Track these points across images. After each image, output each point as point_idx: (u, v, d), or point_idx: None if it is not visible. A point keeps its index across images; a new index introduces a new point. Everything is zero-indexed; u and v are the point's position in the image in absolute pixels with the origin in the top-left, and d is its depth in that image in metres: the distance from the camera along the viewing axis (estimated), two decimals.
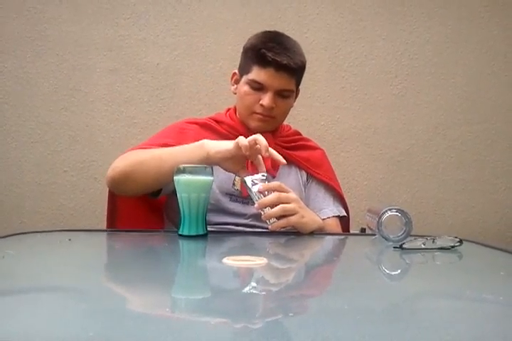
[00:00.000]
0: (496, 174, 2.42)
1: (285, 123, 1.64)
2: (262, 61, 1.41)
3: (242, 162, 1.27)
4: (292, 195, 1.27)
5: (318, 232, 1.31)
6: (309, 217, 1.28)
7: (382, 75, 2.39)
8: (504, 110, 2.42)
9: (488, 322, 0.63)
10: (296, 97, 1.56)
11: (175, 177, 1.19)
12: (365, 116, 2.39)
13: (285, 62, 1.39)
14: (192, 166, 1.21)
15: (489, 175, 2.42)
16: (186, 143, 1.33)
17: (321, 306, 0.71)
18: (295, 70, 1.43)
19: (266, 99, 1.42)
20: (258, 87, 1.44)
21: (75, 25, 2.30)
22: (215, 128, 1.53)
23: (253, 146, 1.21)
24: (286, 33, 1.53)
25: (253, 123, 1.49)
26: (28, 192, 2.30)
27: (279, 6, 2.35)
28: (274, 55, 1.39)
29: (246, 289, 0.80)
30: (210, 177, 1.19)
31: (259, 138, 1.22)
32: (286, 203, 1.23)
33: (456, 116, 2.41)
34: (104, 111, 2.31)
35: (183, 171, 1.18)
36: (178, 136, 1.47)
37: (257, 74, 1.43)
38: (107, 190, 1.58)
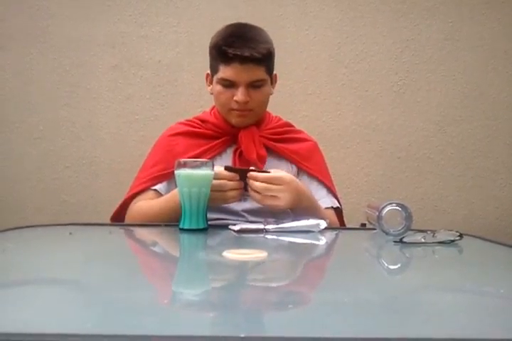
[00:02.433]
0: (496, 170, 2.42)
1: (276, 115, 1.64)
2: (225, 58, 1.40)
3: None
4: (286, 176, 1.30)
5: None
6: (288, 202, 1.29)
7: (383, 72, 2.40)
8: (504, 107, 2.42)
9: (488, 315, 0.63)
10: (274, 83, 1.55)
11: (176, 172, 1.20)
12: (365, 112, 2.39)
13: (247, 54, 1.38)
14: (193, 160, 1.21)
15: (489, 172, 2.42)
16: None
17: (320, 298, 0.71)
18: (260, 59, 1.41)
19: (238, 95, 1.42)
20: (229, 84, 1.43)
21: (77, 22, 2.31)
22: (198, 133, 1.54)
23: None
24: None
25: (233, 120, 1.49)
26: (30, 188, 2.31)
27: (280, 3, 2.35)
28: (235, 50, 1.38)
29: (246, 282, 0.81)
30: (210, 172, 1.20)
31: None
32: (278, 185, 1.26)
33: (457, 113, 2.41)
34: (106, 108, 2.32)
35: (184, 165, 1.19)
36: (167, 156, 1.49)
37: (224, 72, 1.42)
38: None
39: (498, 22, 2.41)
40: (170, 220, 1.32)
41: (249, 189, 1.28)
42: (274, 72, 1.54)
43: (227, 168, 1.27)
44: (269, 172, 1.29)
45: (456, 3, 2.40)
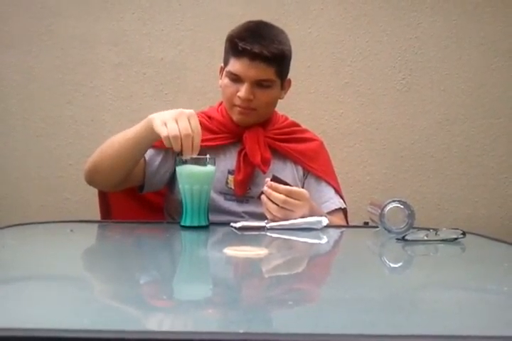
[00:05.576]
0: (499, 169, 2.41)
1: (282, 113, 1.62)
2: (236, 51, 1.38)
3: None
4: (306, 192, 1.27)
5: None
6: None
7: (386, 70, 2.39)
8: (508, 105, 2.41)
9: (491, 313, 0.63)
10: (286, 89, 1.52)
11: (177, 168, 1.20)
12: (368, 111, 2.39)
13: (257, 50, 1.35)
14: (194, 157, 1.20)
15: (493, 170, 2.41)
16: None
17: (321, 295, 0.71)
18: (271, 59, 1.37)
19: (242, 91, 1.39)
20: (236, 79, 1.40)
21: (80, 20, 2.30)
22: (206, 126, 1.47)
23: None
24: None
25: (234, 117, 1.46)
26: (33, 186, 2.31)
27: (283, 1, 2.34)
28: (245, 44, 1.35)
29: (245, 278, 0.81)
30: (212, 168, 1.20)
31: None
32: (297, 200, 1.23)
33: (460, 112, 2.40)
34: (108, 106, 2.32)
35: (185, 162, 1.18)
36: None
37: (232, 65, 1.40)
38: None
39: (501, 20, 2.40)
40: (116, 156, 1.34)
41: (264, 198, 1.25)
42: (288, 78, 1.51)
43: (273, 179, 1.26)
44: (290, 185, 1.28)
45: (459, 1, 2.39)
